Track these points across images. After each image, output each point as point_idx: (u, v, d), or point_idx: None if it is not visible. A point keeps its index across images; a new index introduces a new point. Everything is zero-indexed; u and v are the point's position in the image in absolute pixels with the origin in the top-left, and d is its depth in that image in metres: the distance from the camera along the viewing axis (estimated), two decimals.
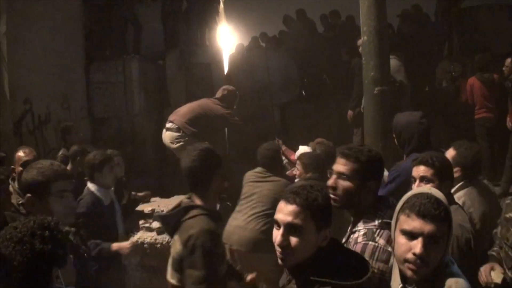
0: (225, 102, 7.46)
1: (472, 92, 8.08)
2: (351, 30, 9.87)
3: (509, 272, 3.14)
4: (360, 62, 6.59)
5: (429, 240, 2.12)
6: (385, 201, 2.79)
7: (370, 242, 2.60)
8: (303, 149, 6.10)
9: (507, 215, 3.18)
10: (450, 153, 4.15)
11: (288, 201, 2.15)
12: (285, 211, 2.15)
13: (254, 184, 5.27)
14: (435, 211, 2.13)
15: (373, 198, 2.77)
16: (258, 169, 5.36)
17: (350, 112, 8.29)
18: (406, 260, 2.16)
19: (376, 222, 2.65)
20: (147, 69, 9.65)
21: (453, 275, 2.20)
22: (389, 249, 2.49)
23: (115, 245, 4.40)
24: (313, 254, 2.14)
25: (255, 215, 5.06)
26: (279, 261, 2.17)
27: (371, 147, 2.95)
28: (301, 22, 11.02)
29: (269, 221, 4.77)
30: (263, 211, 5.04)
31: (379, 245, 2.58)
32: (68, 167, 5.80)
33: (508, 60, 7.57)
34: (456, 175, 3.67)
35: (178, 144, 7.06)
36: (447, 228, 2.18)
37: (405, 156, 4.32)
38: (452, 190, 3.72)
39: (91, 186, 4.63)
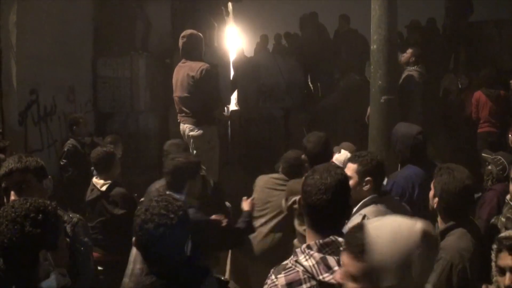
0: None
1: (478, 106, 8.09)
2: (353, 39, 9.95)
3: None
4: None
5: None
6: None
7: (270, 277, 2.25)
8: (345, 154, 4.98)
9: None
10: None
11: None
12: None
13: (271, 191, 4.87)
14: None
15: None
16: (278, 175, 4.97)
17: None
18: None
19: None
20: (154, 66, 9.67)
21: None
22: None
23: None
24: None
25: (267, 224, 4.73)
26: None
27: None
28: (309, 28, 11.06)
29: (280, 231, 4.67)
30: (275, 220, 4.72)
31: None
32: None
33: None
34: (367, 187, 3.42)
35: None
36: None
37: (399, 166, 4.48)
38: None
39: None
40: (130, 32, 9.72)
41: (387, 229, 1.65)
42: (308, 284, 2.09)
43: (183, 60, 6.23)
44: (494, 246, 2.57)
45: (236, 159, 8.96)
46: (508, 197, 3.04)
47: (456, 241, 2.95)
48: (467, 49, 10.52)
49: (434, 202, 3.14)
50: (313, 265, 2.09)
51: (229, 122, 9.91)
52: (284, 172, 4.89)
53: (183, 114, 6.25)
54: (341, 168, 2.52)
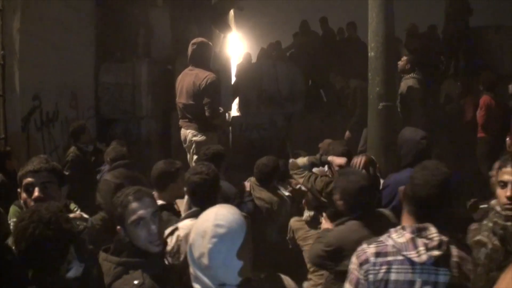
0: None
1: (487, 111, 8.08)
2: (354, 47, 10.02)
3: None
4: (362, 84, 6.66)
5: None
6: None
7: None
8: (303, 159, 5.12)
9: (475, 239, 3.18)
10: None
11: None
12: None
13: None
14: None
15: None
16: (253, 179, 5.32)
17: (348, 134, 8.36)
18: None
19: None
20: (156, 72, 9.76)
21: None
22: None
23: None
24: None
25: None
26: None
27: None
28: (307, 33, 11.16)
29: None
30: None
31: None
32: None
33: None
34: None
35: None
36: None
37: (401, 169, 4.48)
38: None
39: None
40: (133, 38, 9.82)
41: None
42: (393, 257, 2.42)
43: (190, 67, 6.29)
44: (496, 166, 3.03)
45: (237, 165, 9.01)
46: (493, 201, 3.08)
47: (343, 228, 3.53)
48: (467, 54, 10.56)
49: (339, 204, 3.65)
50: (403, 242, 2.42)
51: (230, 128, 9.98)
52: (256, 177, 5.24)
53: (187, 120, 6.31)
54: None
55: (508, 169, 2.86)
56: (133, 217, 2.59)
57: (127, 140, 8.59)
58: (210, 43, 6.45)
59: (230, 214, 2.09)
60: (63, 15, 8.13)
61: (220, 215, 2.06)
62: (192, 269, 2.09)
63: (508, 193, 2.82)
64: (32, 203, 2.74)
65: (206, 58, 6.26)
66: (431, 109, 8.31)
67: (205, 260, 2.00)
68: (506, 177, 2.85)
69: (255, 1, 12.66)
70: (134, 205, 2.61)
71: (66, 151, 7.15)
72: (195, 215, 3.27)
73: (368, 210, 3.61)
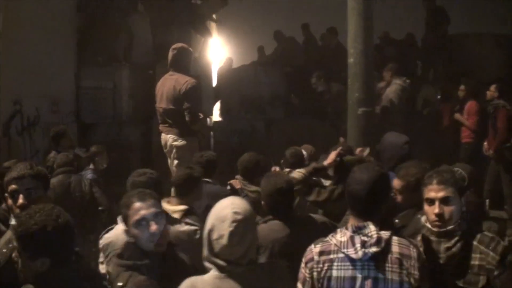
0: None
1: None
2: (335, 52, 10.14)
3: None
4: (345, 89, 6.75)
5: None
6: None
7: None
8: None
9: None
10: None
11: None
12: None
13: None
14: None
15: None
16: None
17: (342, 139, 8.35)
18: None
19: None
20: (137, 77, 9.76)
21: None
22: None
23: None
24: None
25: None
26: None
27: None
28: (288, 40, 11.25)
29: None
30: None
31: None
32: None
33: (493, 86, 7.75)
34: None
35: None
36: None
37: None
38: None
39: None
40: (113, 43, 9.81)
41: None
42: (335, 255, 2.57)
43: (170, 72, 6.33)
44: (425, 181, 2.92)
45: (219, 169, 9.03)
46: (423, 218, 3.06)
47: (265, 227, 3.62)
48: (446, 61, 10.71)
49: (263, 204, 3.84)
50: (344, 240, 2.56)
51: (211, 133, 10.00)
52: (241, 174, 5.31)
53: (167, 125, 6.34)
54: (380, 165, 3.11)
55: (433, 186, 2.83)
56: (136, 217, 2.68)
57: (107, 145, 8.60)
58: (190, 48, 6.52)
59: (243, 203, 2.58)
60: (44, 20, 8.12)
61: (236, 204, 2.52)
62: (205, 251, 2.50)
63: (436, 210, 2.78)
64: (17, 210, 2.75)
65: (186, 63, 6.32)
66: (409, 114, 8.40)
67: (223, 241, 2.42)
68: (432, 194, 2.82)
69: (236, 5, 12.66)
70: (137, 205, 2.70)
71: (47, 155, 7.12)
72: None
73: (289, 212, 3.77)
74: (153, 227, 2.66)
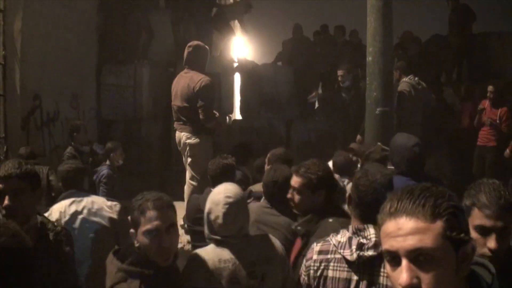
0: None
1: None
2: (354, 47, 10.02)
3: None
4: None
5: None
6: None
7: None
8: None
9: None
10: None
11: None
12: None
13: None
14: None
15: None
16: None
17: (359, 137, 8.19)
18: None
19: None
20: (158, 75, 9.80)
21: None
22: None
23: None
24: None
25: None
26: None
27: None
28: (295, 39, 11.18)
29: None
30: None
31: None
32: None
33: None
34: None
35: None
36: None
37: None
38: None
39: None
40: (134, 40, 9.87)
41: None
42: (333, 255, 2.55)
43: (185, 70, 6.33)
44: (467, 202, 2.28)
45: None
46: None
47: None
48: (469, 60, 10.55)
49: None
50: (342, 241, 2.52)
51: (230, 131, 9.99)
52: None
53: (181, 122, 6.33)
54: (390, 170, 3.21)
55: (489, 211, 2.19)
56: (148, 226, 2.47)
57: (127, 142, 8.66)
58: (206, 46, 6.49)
59: (235, 188, 3.01)
60: (65, 17, 8.18)
61: (228, 190, 2.96)
62: (206, 230, 2.94)
63: (493, 245, 2.17)
64: (3, 211, 2.71)
65: (201, 61, 6.30)
66: (429, 114, 8.24)
67: (219, 221, 2.85)
68: (488, 223, 2.19)
69: (261, 4, 12.64)
70: (151, 213, 2.48)
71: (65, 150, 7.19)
72: (67, 197, 4.24)
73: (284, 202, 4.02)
74: (166, 242, 2.48)
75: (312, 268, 2.58)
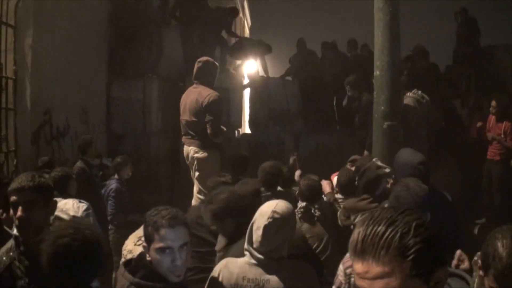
0: None
1: None
2: (365, 61, 10.03)
3: None
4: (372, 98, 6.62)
5: None
6: None
7: None
8: None
9: None
10: None
11: None
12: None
13: None
14: None
15: None
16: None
17: (366, 153, 8.12)
18: None
19: None
20: (167, 90, 9.85)
21: None
22: None
23: None
24: None
25: None
26: None
27: None
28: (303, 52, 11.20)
29: None
30: None
31: None
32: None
33: None
34: None
35: None
36: None
37: None
38: None
39: None
40: (144, 56, 9.92)
41: None
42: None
43: (194, 85, 6.39)
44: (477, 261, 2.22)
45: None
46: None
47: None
48: (477, 73, 10.55)
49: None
50: None
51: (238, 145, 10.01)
52: (262, 180, 5.19)
53: (189, 137, 6.38)
54: (423, 183, 3.36)
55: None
56: (161, 244, 2.49)
57: (136, 156, 8.70)
58: (215, 62, 6.57)
59: (286, 207, 3.02)
60: (75, 32, 8.25)
61: (279, 206, 2.99)
62: (246, 241, 3.00)
63: None
64: (17, 222, 2.75)
65: (210, 76, 6.38)
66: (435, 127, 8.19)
67: (259, 232, 2.90)
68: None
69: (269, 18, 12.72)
70: (165, 231, 2.49)
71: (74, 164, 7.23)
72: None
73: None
74: (178, 261, 2.49)
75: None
